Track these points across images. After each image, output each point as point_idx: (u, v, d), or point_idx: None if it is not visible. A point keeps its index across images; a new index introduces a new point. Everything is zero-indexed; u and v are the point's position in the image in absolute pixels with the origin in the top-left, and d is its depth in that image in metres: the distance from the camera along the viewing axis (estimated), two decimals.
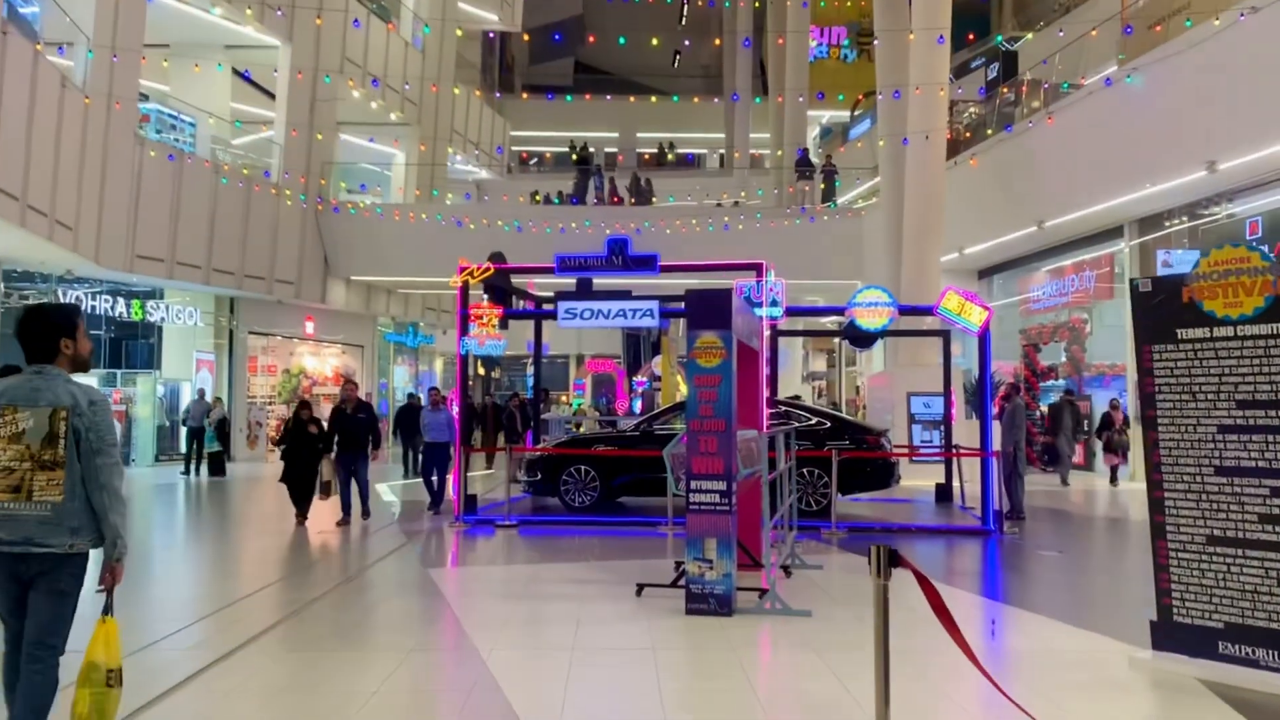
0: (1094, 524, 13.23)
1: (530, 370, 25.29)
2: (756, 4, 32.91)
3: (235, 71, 27.44)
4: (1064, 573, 9.51)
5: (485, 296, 12.37)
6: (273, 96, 26.34)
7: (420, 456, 15.58)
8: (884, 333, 12.08)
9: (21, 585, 3.94)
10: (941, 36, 16.94)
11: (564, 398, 37.17)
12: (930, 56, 18.10)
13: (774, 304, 11.80)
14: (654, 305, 10.93)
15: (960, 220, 20.62)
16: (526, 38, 49.02)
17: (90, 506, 3.94)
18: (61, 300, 20.25)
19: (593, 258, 11.14)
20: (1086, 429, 19.71)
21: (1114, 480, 17.89)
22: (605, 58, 55.98)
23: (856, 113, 42.68)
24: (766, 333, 10.96)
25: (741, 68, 41.99)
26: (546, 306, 13.33)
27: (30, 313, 4.11)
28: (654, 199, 28.80)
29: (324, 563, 10.11)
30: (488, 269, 11.79)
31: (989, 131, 20.33)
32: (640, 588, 7.75)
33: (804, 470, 11.71)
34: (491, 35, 44.08)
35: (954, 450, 13.92)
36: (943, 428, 17.58)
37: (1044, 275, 22.93)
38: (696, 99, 51.28)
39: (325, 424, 12.83)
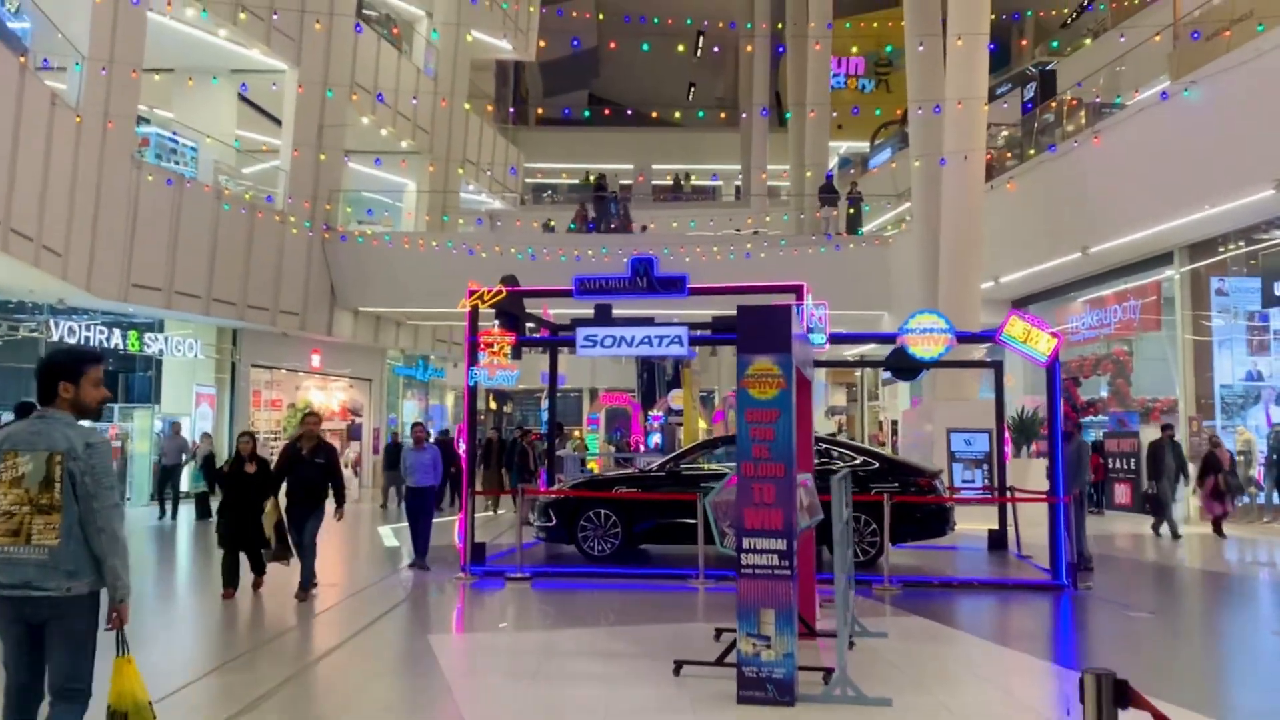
0: (1173, 577, 12.01)
1: (544, 404, 24.13)
2: (780, 24, 32.06)
3: (241, 97, 26.71)
4: (1165, 639, 8.31)
5: (496, 323, 11.29)
6: (279, 123, 25.52)
7: (403, 501, 14.06)
8: (937, 363, 10.94)
9: (30, 630, 3.99)
10: (993, 44, 15.91)
11: (576, 433, 36.06)
12: (967, 69, 17.07)
13: (813, 331, 10.70)
14: (682, 331, 9.83)
15: (996, 247, 19.53)
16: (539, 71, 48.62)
17: (88, 549, 3.98)
18: (51, 331, 19.32)
19: (615, 279, 10.07)
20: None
21: (1219, 530, 15.22)
22: (619, 89, 55.46)
23: (877, 142, 41.90)
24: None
25: (758, 95, 41.18)
26: (563, 334, 12.22)
27: (43, 357, 4.27)
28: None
29: (298, 631, 8.65)
30: (499, 292, 10.73)
31: (1031, 152, 19.28)
32: (678, 665, 6.49)
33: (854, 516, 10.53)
34: (505, 65, 43.43)
35: (1011, 494, 12.70)
36: (985, 467, 16.43)
37: (1081, 305, 21.78)
38: (713, 128, 50.66)
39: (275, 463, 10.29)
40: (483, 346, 10.89)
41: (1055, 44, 24.15)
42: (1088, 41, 23.75)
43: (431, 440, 13.97)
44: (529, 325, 12.62)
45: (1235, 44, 14.02)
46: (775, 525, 5.33)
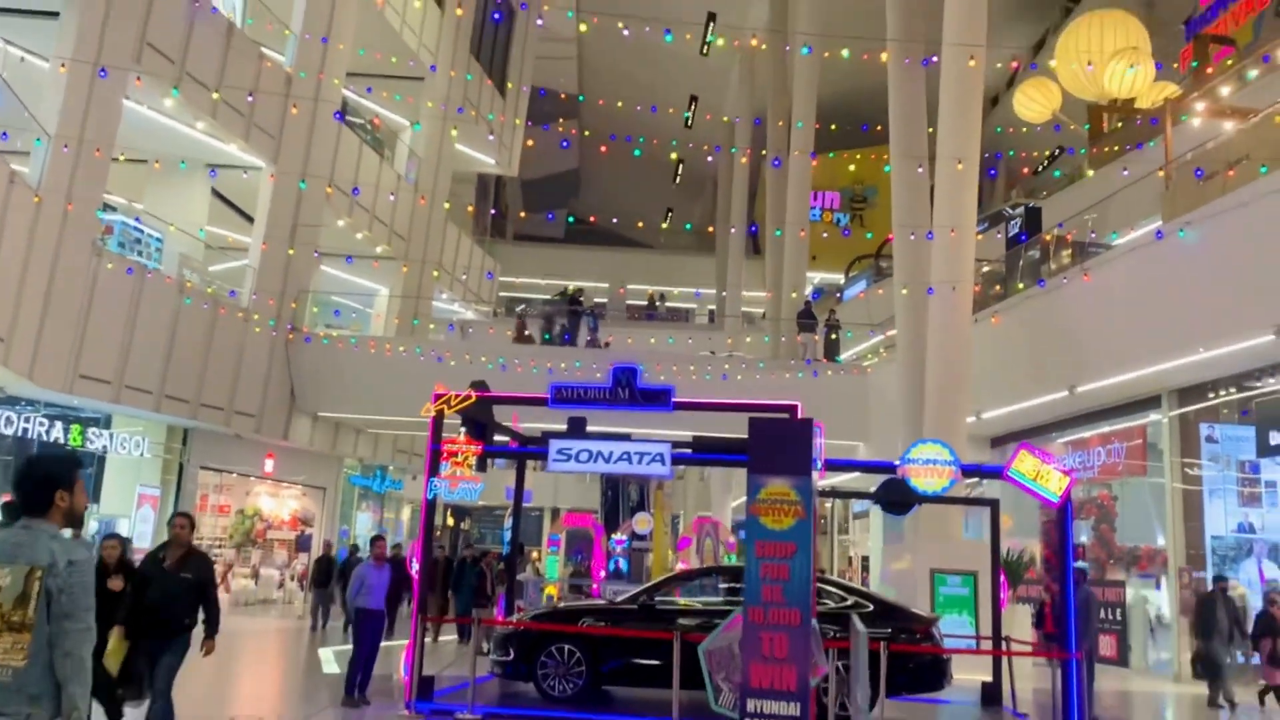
0: None
1: (508, 522, 23.00)
2: (763, 150, 32.30)
3: (215, 192, 26.23)
4: None
5: (463, 430, 10.44)
6: (252, 220, 24.96)
7: (349, 624, 12.51)
8: (938, 498, 10.17)
9: None
10: (993, 170, 15.68)
11: (534, 554, 34.71)
12: (956, 195, 16.81)
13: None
14: (665, 449, 9.05)
15: (979, 382, 19.04)
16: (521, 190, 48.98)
17: (53, 673, 3.69)
18: None
19: (595, 388, 9.33)
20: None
21: (1264, 699, 13.21)
22: (599, 210, 55.94)
23: (851, 274, 42.16)
24: None
25: (736, 220, 41.46)
26: (533, 447, 11.36)
27: (28, 462, 4.00)
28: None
29: None
30: (468, 397, 9.93)
31: (1019, 285, 18.99)
32: None
33: (838, 665, 9.57)
34: (486, 178, 43.57)
35: (1007, 646, 11.76)
36: (971, 616, 15.51)
37: (1063, 446, 21.22)
38: (689, 251, 50.95)
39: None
40: (445, 456, 9.99)
41: (1046, 170, 24.17)
42: (1089, 173, 23.78)
43: None
44: (497, 436, 11.78)
45: (1233, 186, 13.83)
46: (788, 685, 4.43)
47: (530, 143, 37.75)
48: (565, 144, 35.61)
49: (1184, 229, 14.24)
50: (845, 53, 18.44)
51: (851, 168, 46.94)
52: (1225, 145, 14.93)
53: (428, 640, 17.43)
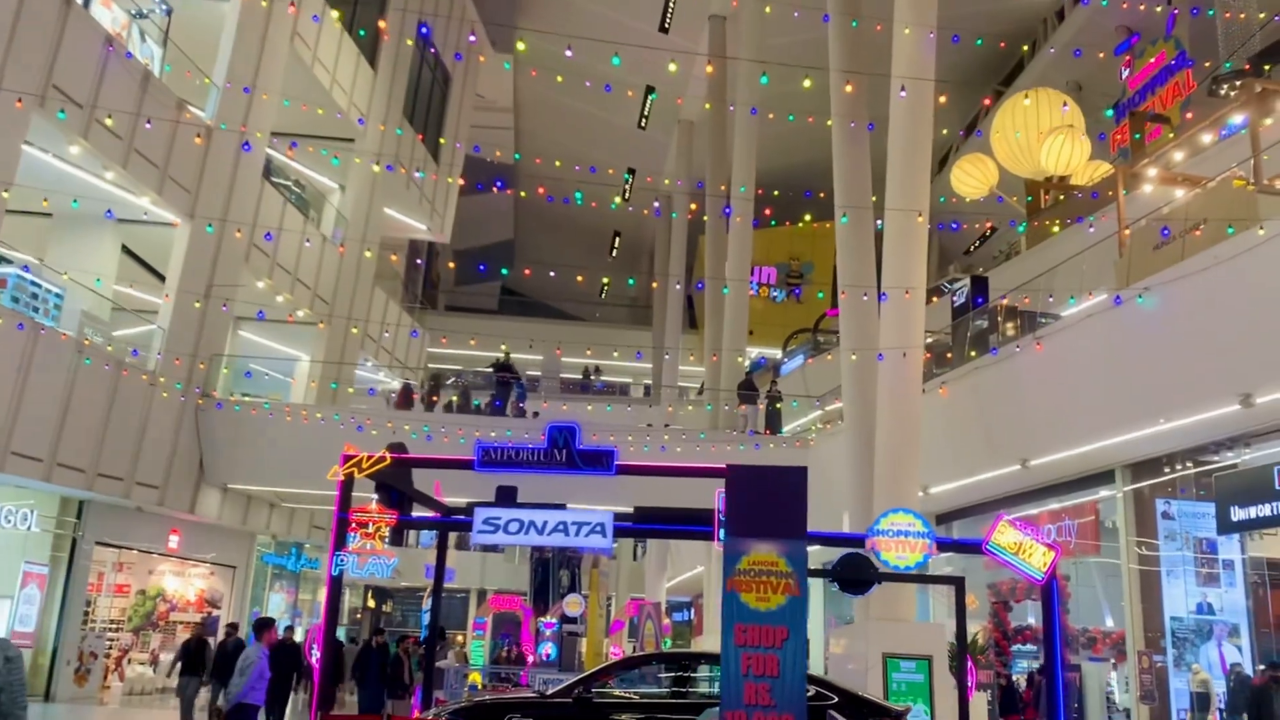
0: None
1: (427, 603, 21.47)
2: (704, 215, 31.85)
3: (129, 252, 24.81)
4: None
5: (376, 498, 9.23)
6: (164, 279, 23.50)
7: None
8: (904, 575, 9.17)
9: None
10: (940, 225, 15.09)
11: (459, 638, 32.94)
12: (906, 252, 16.18)
13: None
14: (606, 517, 7.97)
15: (926, 456, 18.30)
16: (452, 265, 48.00)
17: None
18: None
19: (527, 449, 8.24)
20: None
21: None
22: (532, 283, 55.15)
23: (789, 348, 41.73)
24: None
25: (673, 304, 40.91)
26: (456, 517, 10.16)
27: None
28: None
29: None
30: (381, 458, 8.75)
31: (972, 354, 18.39)
32: None
33: None
34: (418, 245, 42.52)
35: None
36: (926, 705, 14.48)
37: (1011, 518, 20.52)
38: (625, 324, 50.29)
39: None
40: (354, 527, 8.75)
41: (982, 246, 23.95)
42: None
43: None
44: (417, 507, 10.55)
45: (1192, 251, 13.40)
46: None
47: (461, 208, 36.91)
48: (500, 184, 34.57)
49: (1143, 295, 13.75)
50: (790, 117, 17.91)
51: (789, 241, 47.19)
52: (1182, 210, 14.58)
53: None
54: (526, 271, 35.00)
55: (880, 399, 16.66)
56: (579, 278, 43.19)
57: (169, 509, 22.70)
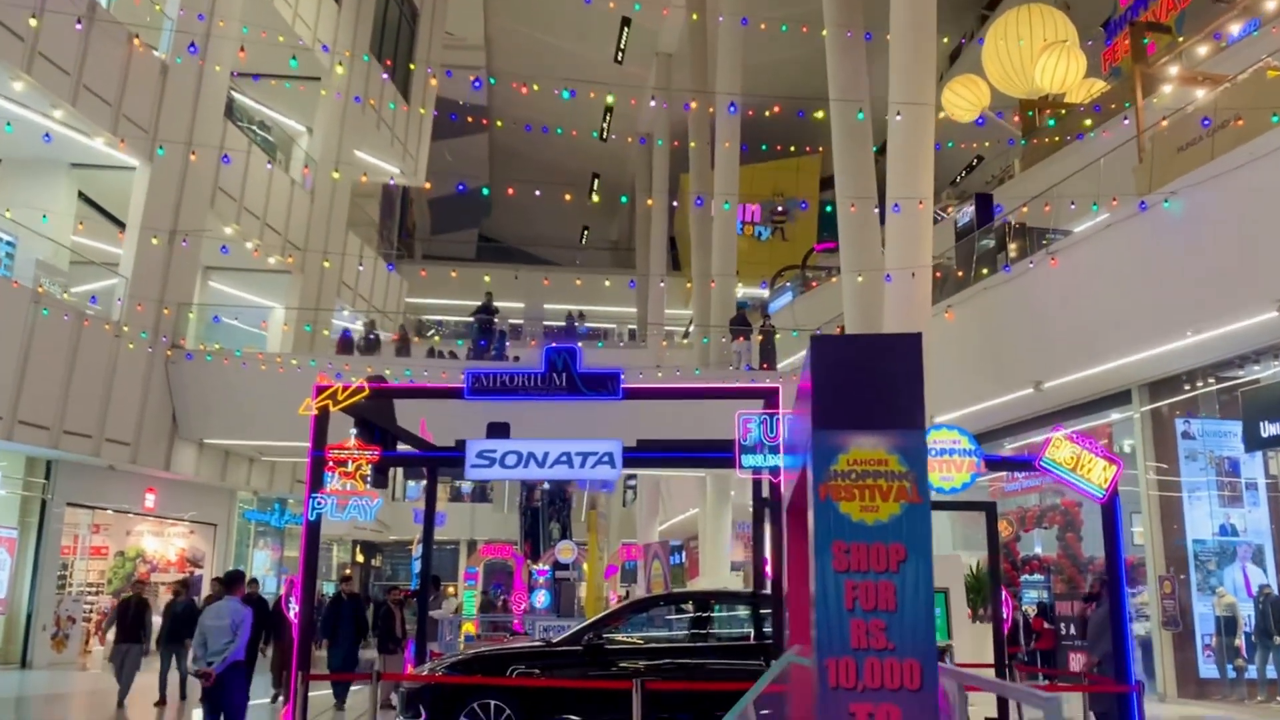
0: None
1: (416, 551, 20.62)
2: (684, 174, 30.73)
3: (87, 199, 23.50)
4: None
5: (354, 433, 8.31)
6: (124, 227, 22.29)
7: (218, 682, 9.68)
8: (944, 502, 8.34)
9: None
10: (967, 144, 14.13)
11: (451, 590, 32.30)
12: (911, 158, 15.18)
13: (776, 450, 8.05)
14: (615, 446, 7.10)
15: (933, 383, 17.50)
16: (429, 214, 46.57)
17: None
18: None
19: (523, 374, 7.32)
20: None
21: None
22: (510, 230, 53.89)
23: (777, 285, 40.84)
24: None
25: (656, 244, 39.84)
26: (446, 451, 9.23)
27: None
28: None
29: None
30: (360, 389, 7.82)
31: (984, 271, 17.54)
32: None
33: None
34: (392, 194, 41.15)
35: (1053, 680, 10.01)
36: (945, 638, 13.84)
37: (1018, 450, 19.84)
38: (607, 269, 49.21)
39: None
40: (331, 466, 7.82)
41: (975, 171, 23.02)
42: (1006, 179, 22.75)
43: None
44: (401, 446, 9.65)
45: (1221, 151, 12.51)
46: None
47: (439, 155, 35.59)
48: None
49: (1169, 200, 12.88)
50: (783, 27, 16.83)
51: (774, 176, 46.09)
52: (1209, 107, 13.65)
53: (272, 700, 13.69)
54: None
55: (887, 323, 15.83)
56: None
57: (143, 466, 21.75)
